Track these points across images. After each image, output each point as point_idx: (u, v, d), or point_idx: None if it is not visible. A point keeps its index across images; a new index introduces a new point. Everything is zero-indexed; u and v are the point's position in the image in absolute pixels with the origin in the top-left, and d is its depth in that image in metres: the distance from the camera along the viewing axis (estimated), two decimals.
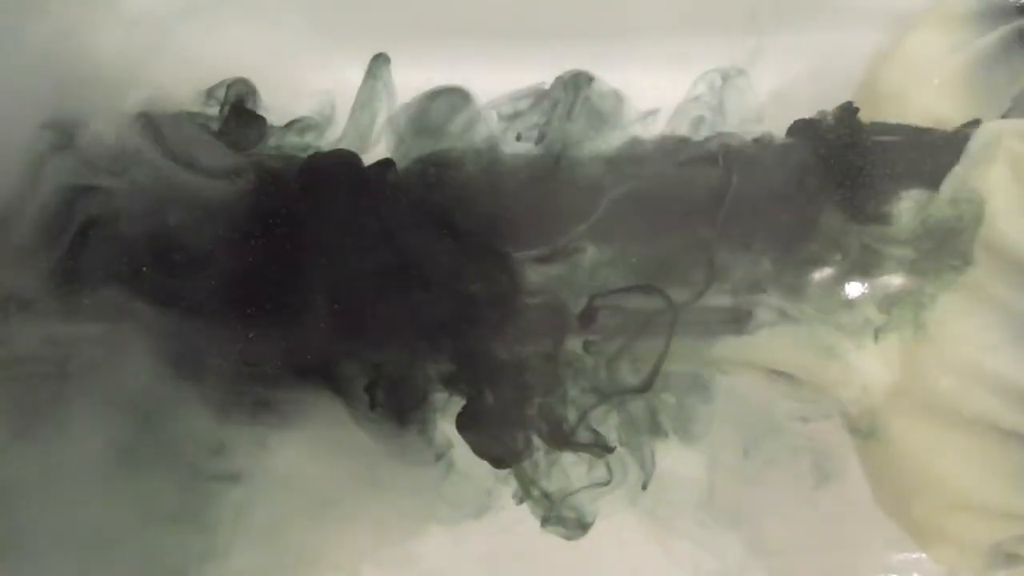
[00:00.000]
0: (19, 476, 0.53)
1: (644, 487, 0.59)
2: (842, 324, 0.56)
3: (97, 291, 0.54)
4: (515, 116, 0.61)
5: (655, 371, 0.56)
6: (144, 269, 0.55)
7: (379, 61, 0.62)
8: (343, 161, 0.59)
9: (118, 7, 0.60)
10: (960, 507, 0.57)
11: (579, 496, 0.58)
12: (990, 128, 0.58)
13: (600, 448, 0.57)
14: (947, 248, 0.55)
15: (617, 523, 0.60)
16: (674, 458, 0.60)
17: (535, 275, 0.57)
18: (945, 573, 0.67)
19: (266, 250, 0.56)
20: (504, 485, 0.59)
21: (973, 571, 0.59)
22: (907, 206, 0.57)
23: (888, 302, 0.56)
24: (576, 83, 0.60)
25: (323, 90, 0.61)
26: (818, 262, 0.56)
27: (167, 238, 0.55)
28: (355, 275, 0.57)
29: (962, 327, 0.55)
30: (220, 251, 0.56)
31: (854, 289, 0.57)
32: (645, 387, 0.56)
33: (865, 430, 0.58)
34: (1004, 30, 0.62)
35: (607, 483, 0.58)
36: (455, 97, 0.61)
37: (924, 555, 0.63)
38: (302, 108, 0.60)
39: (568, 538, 0.58)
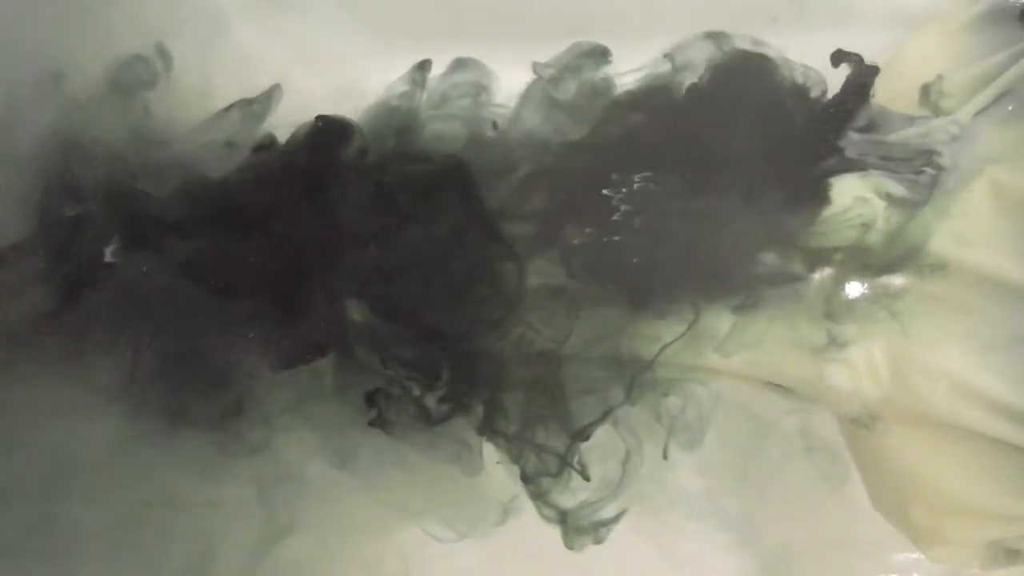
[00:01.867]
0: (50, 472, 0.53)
1: (665, 456, 0.58)
2: (821, 333, 0.57)
3: (101, 282, 0.54)
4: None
5: (643, 370, 0.56)
6: (144, 269, 0.55)
7: (423, 67, 0.61)
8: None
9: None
10: (956, 510, 0.57)
11: (593, 504, 0.58)
12: (975, 153, 0.58)
13: (582, 472, 0.57)
14: (903, 258, 0.56)
15: (620, 527, 0.59)
16: (675, 463, 0.60)
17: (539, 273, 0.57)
18: (945, 573, 0.67)
19: (268, 249, 0.56)
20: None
21: (973, 569, 0.59)
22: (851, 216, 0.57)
23: (860, 310, 0.56)
24: (588, 54, 0.60)
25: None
26: (785, 275, 0.57)
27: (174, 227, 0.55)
28: (357, 275, 0.56)
29: (946, 339, 0.55)
30: (221, 248, 0.56)
31: (825, 298, 0.57)
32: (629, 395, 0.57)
33: (864, 422, 0.58)
34: (1012, 51, 0.62)
35: (627, 459, 0.57)
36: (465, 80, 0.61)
37: (924, 556, 0.63)
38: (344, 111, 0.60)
39: (597, 542, 0.58)
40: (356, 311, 0.57)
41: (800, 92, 0.59)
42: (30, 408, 0.54)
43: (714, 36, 0.60)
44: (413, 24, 0.72)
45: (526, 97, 0.60)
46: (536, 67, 0.60)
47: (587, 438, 0.57)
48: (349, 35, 0.69)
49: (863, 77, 0.60)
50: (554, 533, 0.58)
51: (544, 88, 0.60)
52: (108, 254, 0.55)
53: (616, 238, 0.56)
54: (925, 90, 0.63)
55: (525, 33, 0.62)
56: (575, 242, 0.56)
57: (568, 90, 0.60)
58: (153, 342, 0.54)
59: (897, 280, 0.56)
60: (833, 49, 0.60)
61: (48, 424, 0.54)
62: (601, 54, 0.60)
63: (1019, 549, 0.57)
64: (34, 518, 0.53)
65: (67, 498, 0.54)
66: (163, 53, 0.60)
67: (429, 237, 0.57)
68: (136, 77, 0.59)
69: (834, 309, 0.56)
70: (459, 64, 0.62)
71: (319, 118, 0.58)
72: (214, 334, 0.55)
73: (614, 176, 0.56)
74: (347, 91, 0.61)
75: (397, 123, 0.59)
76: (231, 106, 0.59)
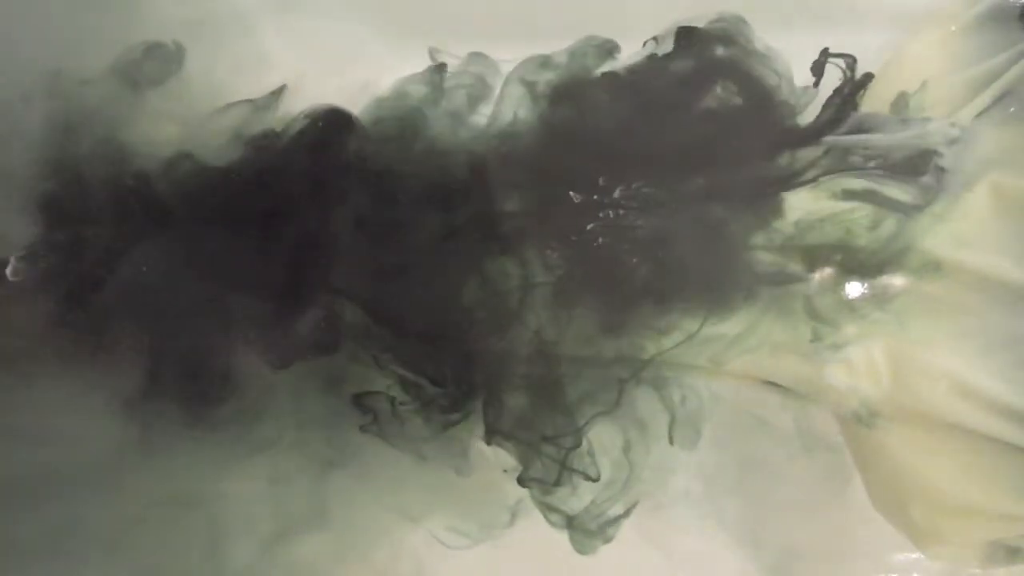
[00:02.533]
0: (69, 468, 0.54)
1: (671, 441, 0.58)
2: (820, 334, 0.57)
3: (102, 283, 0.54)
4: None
5: (640, 371, 0.57)
6: (144, 269, 0.55)
7: (440, 69, 0.62)
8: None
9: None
10: (956, 510, 0.57)
11: (600, 505, 0.58)
12: (976, 155, 0.58)
13: (586, 474, 0.57)
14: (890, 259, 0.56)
15: (619, 528, 0.59)
16: (676, 463, 0.60)
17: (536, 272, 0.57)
18: (945, 573, 0.67)
19: (268, 248, 0.56)
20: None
21: (973, 569, 0.59)
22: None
23: (859, 311, 0.56)
24: (596, 46, 0.61)
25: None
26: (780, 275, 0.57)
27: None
28: (356, 275, 0.57)
29: (945, 339, 0.55)
30: (221, 246, 0.56)
31: (823, 299, 0.57)
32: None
33: (865, 420, 0.58)
34: (1011, 53, 0.61)
35: (628, 449, 0.57)
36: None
37: (924, 555, 0.63)
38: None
39: (606, 541, 0.58)
40: (355, 312, 0.57)
41: (783, 106, 0.59)
42: (36, 408, 0.54)
43: (712, 22, 0.60)
44: (425, 26, 0.72)
45: (504, 93, 0.61)
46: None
47: (580, 443, 0.57)
48: (361, 37, 0.69)
49: (852, 86, 0.60)
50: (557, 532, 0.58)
51: (521, 81, 0.60)
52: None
53: (602, 240, 0.56)
54: (902, 98, 0.63)
55: (536, 35, 0.62)
56: (553, 241, 0.56)
57: (547, 82, 0.60)
58: (155, 342, 0.54)
59: (896, 281, 0.56)
60: (834, 48, 0.60)
61: (55, 424, 0.54)
62: (608, 51, 0.61)
63: (1019, 548, 0.57)
64: (43, 517, 0.53)
65: (76, 497, 0.54)
66: (177, 49, 0.60)
67: (429, 237, 0.57)
68: (145, 72, 0.59)
69: (833, 310, 0.56)
70: (466, 59, 0.62)
71: (323, 114, 0.58)
72: (215, 334, 0.55)
73: (601, 181, 0.57)
74: (358, 92, 0.61)
75: (401, 121, 0.60)
76: (235, 103, 0.60)
